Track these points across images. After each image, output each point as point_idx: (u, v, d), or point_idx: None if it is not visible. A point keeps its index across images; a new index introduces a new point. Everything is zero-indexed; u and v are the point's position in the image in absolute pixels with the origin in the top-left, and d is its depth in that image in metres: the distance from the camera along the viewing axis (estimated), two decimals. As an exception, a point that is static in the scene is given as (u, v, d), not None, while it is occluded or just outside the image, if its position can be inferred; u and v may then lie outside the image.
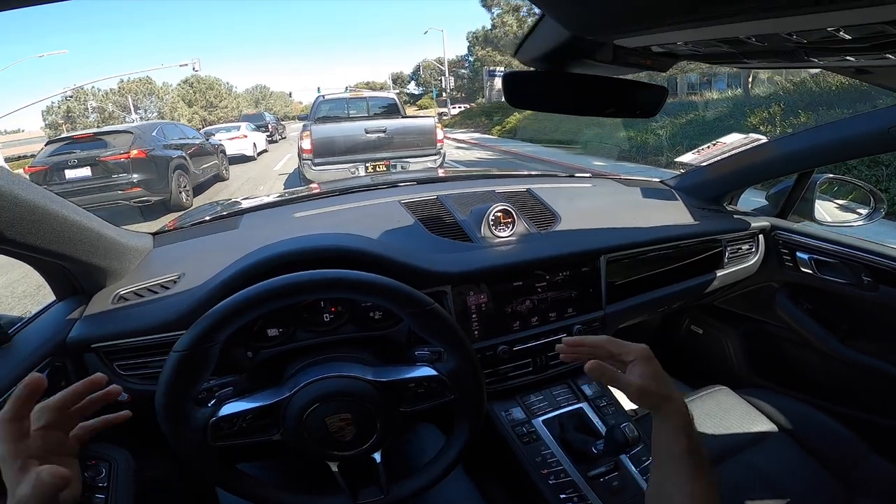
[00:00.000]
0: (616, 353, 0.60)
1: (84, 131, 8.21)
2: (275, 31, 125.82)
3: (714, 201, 1.39)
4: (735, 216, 1.33)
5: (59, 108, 42.65)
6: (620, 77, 0.66)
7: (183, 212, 1.51)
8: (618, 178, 1.58)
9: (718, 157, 1.33)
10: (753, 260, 1.33)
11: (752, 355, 1.51)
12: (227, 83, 60.08)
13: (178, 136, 7.82)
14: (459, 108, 34.69)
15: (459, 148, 13.48)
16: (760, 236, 1.33)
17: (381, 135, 5.39)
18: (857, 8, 0.28)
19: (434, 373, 0.70)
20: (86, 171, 6.16)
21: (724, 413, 1.11)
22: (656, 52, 0.52)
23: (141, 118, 44.67)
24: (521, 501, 0.91)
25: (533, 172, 1.67)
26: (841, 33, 0.33)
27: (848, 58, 0.41)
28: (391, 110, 6.81)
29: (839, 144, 1.09)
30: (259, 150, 14.56)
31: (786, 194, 1.32)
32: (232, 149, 12.24)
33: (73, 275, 0.88)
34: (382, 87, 64.09)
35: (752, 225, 1.29)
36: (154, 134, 6.99)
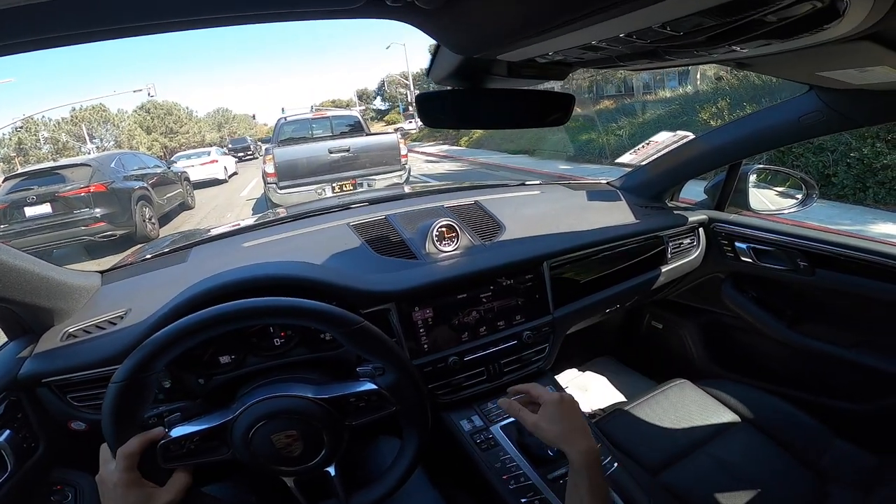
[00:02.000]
0: (534, 397, 0.74)
1: (39, 166, 8.04)
2: (234, 53, 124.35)
3: (656, 199, 1.43)
4: (675, 212, 1.37)
5: (10, 139, 40.98)
6: (527, 88, 0.68)
7: (134, 248, 1.49)
8: (567, 182, 1.61)
9: (654, 156, 1.37)
10: (696, 253, 1.37)
11: (710, 347, 1.54)
12: (187, 107, 58.27)
13: (138, 165, 7.61)
14: (410, 121, 34.48)
15: (429, 161, 13.45)
16: (700, 230, 1.38)
17: (346, 154, 5.36)
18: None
19: (374, 387, 0.72)
20: (46, 209, 5.90)
21: (687, 406, 1.13)
22: (543, 63, 0.54)
23: (98, 147, 43.25)
24: None
25: (484, 183, 1.69)
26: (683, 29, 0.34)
27: (700, 53, 0.43)
28: (355, 128, 6.71)
29: (758, 135, 1.14)
30: (230, 172, 14.79)
31: (720, 187, 1.36)
32: (203, 174, 12.74)
33: (20, 316, 0.92)
34: (348, 105, 63.91)
35: (691, 219, 1.33)
36: (112, 165, 6.76)
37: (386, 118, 56.39)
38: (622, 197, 1.44)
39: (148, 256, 1.27)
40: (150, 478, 0.63)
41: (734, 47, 0.41)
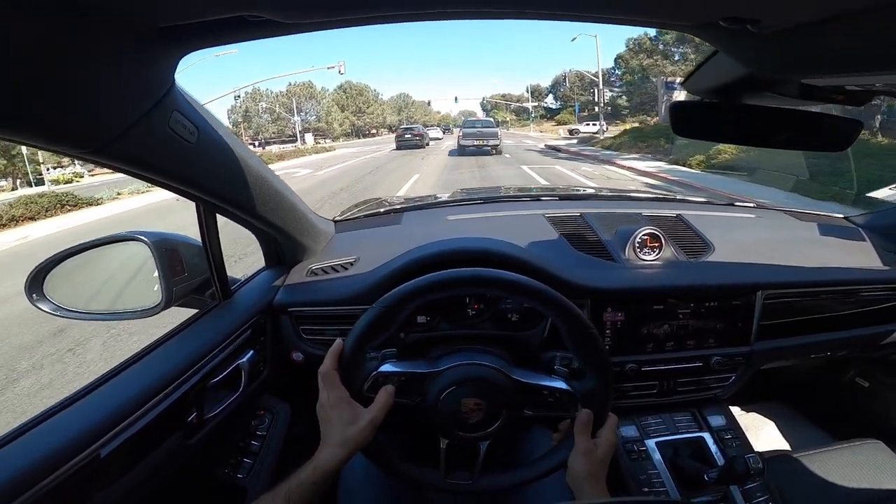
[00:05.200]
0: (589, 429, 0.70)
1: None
2: (417, 40, 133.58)
3: None
4: None
5: (240, 107, 49.13)
6: (802, 109, 0.64)
7: (359, 202, 1.78)
8: (789, 210, 1.44)
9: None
10: None
11: None
12: (375, 90, 64.47)
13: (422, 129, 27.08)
14: (595, 125, 32.13)
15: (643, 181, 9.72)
16: None
17: (481, 129, 18.61)
18: None
19: (569, 388, 0.72)
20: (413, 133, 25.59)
21: (871, 467, 1.00)
22: (850, 90, 0.51)
23: (302, 120, 50.56)
24: None
25: (686, 197, 1.60)
26: None
27: None
28: (490, 125, 19.89)
29: None
30: (439, 137, 38.39)
31: None
32: (433, 134, 34.84)
33: (281, 247, 1.06)
34: (519, 100, 63.77)
35: None
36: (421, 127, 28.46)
37: (556, 117, 53.93)
38: (865, 237, 1.23)
39: (372, 212, 1.47)
40: (358, 401, 0.67)
41: None
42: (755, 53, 0.47)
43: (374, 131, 63.74)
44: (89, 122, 0.46)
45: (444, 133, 47.37)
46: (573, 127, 37.69)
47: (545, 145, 23.69)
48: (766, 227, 1.33)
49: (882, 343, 1.13)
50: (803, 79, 0.50)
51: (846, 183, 6.41)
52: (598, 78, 25.87)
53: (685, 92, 0.74)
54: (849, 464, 1.00)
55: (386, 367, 0.73)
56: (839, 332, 1.09)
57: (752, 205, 1.54)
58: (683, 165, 11.04)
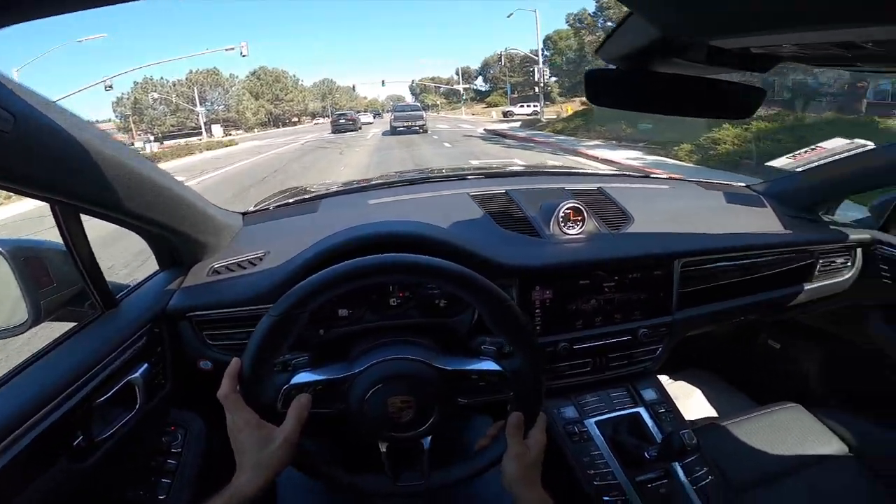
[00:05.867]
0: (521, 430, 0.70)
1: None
2: (339, 20, 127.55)
3: (807, 210, 1.29)
4: (831, 227, 1.24)
5: (127, 99, 43.74)
6: (711, 77, 0.64)
7: (272, 194, 1.63)
8: (698, 181, 1.51)
9: (817, 163, 1.23)
10: (848, 275, 1.23)
11: (833, 375, 1.40)
12: (294, 76, 60.01)
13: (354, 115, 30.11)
14: (529, 106, 31.54)
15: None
16: (858, 250, 1.22)
17: (410, 113, 22.42)
18: None
19: (498, 368, 0.70)
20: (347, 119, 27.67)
21: (792, 430, 1.06)
22: (756, 54, 0.51)
23: (208, 111, 46.46)
24: (564, 500, 0.92)
25: (605, 172, 1.64)
26: None
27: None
28: (417, 108, 23.98)
29: None
30: (370, 121, 39.10)
31: (891, 206, 1.20)
32: (364, 119, 37.43)
33: (175, 247, 0.96)
34: (448, 83, 63.68)
35: (851, 237, 1.19)
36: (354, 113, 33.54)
37: (487, 100, 53.84)
38: (766, 203, 1.32)
39: (290, 201, 1.37)
40: (269, 420, 0.63)
41: None
42: (666, 12, 0.45)
43: (294, 119, 59.99)
44: None
45: (374, 118, 48.04)
46: (507, 109, 36.35)
47: (485, 130, 21.56)
48: (678, 197, 1.39)
49: (790, 305, 1.21)
50: (712, 40, 0.49)
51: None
52: (537, 56, 25.22)
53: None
54: (772, 429, 1.06)
55: (298, 378, 0.68)
56: (750, 297, 1.15)
57: (665, 176, 1.61)
58: (669, 157, 9.20)
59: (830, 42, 0.38)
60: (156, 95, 43.58)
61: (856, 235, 1.20)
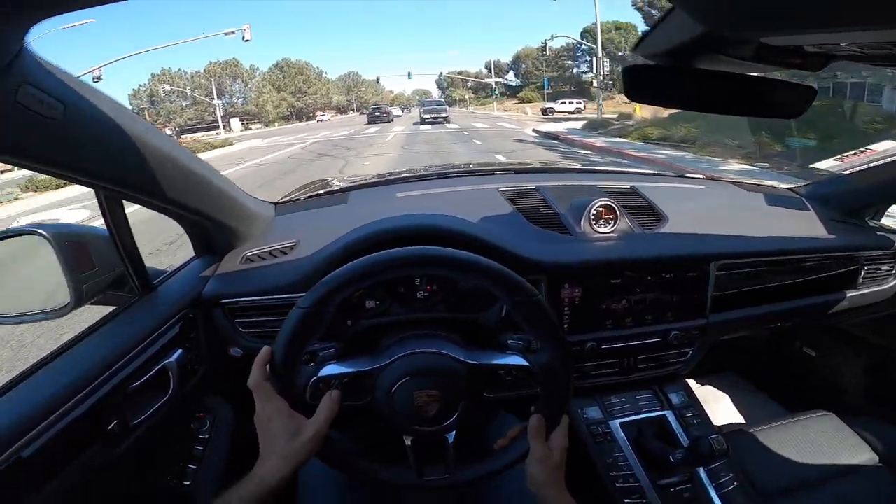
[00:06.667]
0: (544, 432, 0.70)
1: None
2: (364, 10, 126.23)
3: (854, 214, 1.23)
4: (878, 232, 1.18)
5: (143, 91, 43.43)
6: (757, 75, 0.62)
7: (305, 183, 1.65)
8: (737, 181, 1.46)
9: (866, 166, 1.17)
10: (893, 282, 1.17)
11: (872, 385, 1.34)
12: (318, 68, 58.65)
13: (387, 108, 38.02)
14: (571, 103, 28.17)
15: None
16: None
17: (436, 107, 27.51)
18: None
19: (524, 363, 0.69)
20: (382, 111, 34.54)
21: (823, 439, 1.03)
22: (810, 52, 0.48)
23: (227, 104, 45.62)
24: (585, 501, 0.91)
25: (639, 170, 1.60)
26: None
27: None
28: (443, 104, 30.22)
29: None
30: (399, 114, 45.27)
31: None
32: (395, 112, 44.21)
33: (210, 234, 0.98)
34: (476, 76, 62.87)
35: None
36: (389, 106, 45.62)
37: (519, 95, 51.41)
38: (809, 206, 1.26)
39: (315, 193, 1.38)
40: (297, 410, 0.63)
41: None
42: (711, 6, 0.43)
43: (319, 113, 57.56)
44: None
45: (402, 111, 52.31)
46: (547, 105, 31.57)
47: (535, 131, 17.13)
48: (714, 197, 1.34)
49: (830, 312, 1.16)
50: (762, 37, 0.46)
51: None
52: (582, 44, 23.48)
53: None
54: (803, 437, 1.03)
55: (326, 371, 0.68)
56: (789, 302, 1.11)
57: (701, 176, 1.55)
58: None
59: (893, 42, 0.36)
60: (168, 87, 43.13)
61: None
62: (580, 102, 26.33)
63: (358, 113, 60.57)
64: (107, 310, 0.84)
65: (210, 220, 0.91)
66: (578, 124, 17.97)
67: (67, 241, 0.75)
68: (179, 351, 0.83)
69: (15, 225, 0.79)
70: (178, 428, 0.90)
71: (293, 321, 0.63)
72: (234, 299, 0.92)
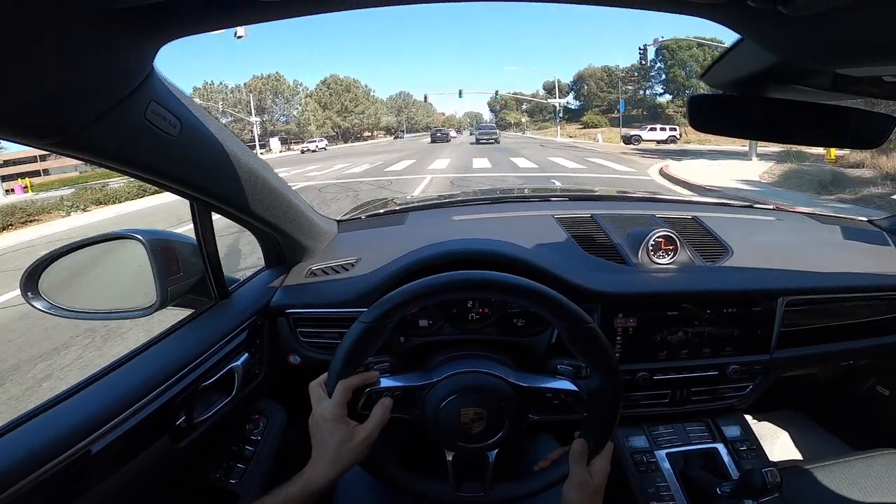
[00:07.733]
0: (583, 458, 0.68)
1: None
2: (414, 33, 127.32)
3: None
4: None
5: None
6: (830, 103, 0.60)
7: (364, 202, 1.73)
8: (811, 213, 1.38)
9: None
10: None
11: None
12: (366, 86, 55.72)
13: (446, 130, 41.12)
14: (663, 129, 22.23)
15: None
16: None
17: (488, 131, 30.10)
18: None
19: (574, 388, 0.69)
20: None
21: (889, 478, 0.93)
22: (889, 83, 0.46)
23: (264, 120, 41.71)
24: None
25: (702, 199, 1.54)
26: None
27: None
28: (494, 128, 32.60)
29: None
30: (456, 136, 48.10)
31: None
32: (452, 134, 45.98)
33: (281, 247, 1.04)
34: (533, 97, 62.42)
35: None
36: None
37: (583, 119, 47.07)
38: (890, 241, 1.17)
39: (375, 213, 1.44)
40: (352, 417, 0.65)
41: None
42: (786, 39, 0.43)
43: (367, 134, 54.22)
44: (53, 110, 0.43)
45: (457, 133, 55.47)
46: (632, 133, 24.36)
47: (670, 177, 9.46)
48: (785, 230, 1.27)
49: None
50: (839, 68, 0.45)
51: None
52: (672, 60, 19.70)
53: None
54: (866, 475, 0.94)
55: (383, 383, 0.70)
56: (863, 340, 1.04)
57: (771, 207, 1.48)
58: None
59: None
60: (198, 101, 44.06)
61: None
62: (675, 129, 21.47)
63: (410, 135, 56.65)
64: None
65: (283, 234, 0.97)
66: (744, 170, 10.30)
67: (160, 247, 0.84)
68: (246, 355, 0.88)
69: (116, 229, 0.88)
70: (234, 428, 0.94)
71: (355, 334, 0.66)
72: (299, 310, 0.98)
